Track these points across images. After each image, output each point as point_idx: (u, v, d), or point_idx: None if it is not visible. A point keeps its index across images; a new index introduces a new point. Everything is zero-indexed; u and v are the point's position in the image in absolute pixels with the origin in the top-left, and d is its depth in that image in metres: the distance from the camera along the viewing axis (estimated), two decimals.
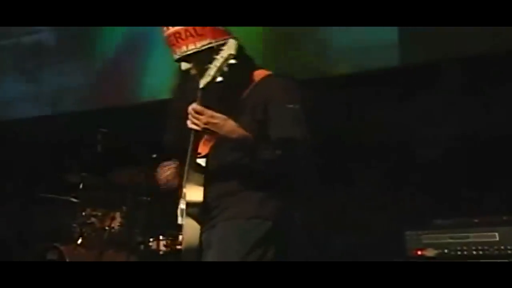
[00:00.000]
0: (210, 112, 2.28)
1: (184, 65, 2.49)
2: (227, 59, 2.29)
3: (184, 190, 2.45)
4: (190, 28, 2.44)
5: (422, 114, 4.05)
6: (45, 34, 6.00)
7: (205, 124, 2.28)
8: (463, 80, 3.91)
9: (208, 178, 2.44)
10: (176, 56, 2.49)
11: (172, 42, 2.47)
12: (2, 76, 6.14)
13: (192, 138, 2.38)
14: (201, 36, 2.44)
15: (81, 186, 4.70)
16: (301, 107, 2.43)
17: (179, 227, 2.48)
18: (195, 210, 2.42)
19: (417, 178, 4.07)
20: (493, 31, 3.81)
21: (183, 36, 2.45)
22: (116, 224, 4.61)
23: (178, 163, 2.60)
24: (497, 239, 3.23)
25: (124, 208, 4.62)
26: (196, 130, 2.32)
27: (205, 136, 2.42)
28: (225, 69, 2.30)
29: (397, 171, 4.14)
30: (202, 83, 2.34)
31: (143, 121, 4.68)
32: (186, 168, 2.43)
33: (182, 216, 2.47)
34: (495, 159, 3.91)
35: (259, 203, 2.42)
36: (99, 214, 4.66)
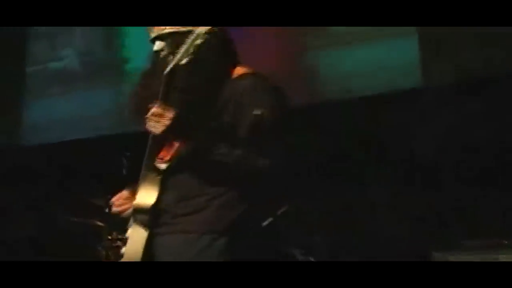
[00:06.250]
0: (169, 113, 2.21)
1: (158, 44, 2.35)
2: (194, 40, 2.19)
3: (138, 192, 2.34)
4: None
5: (448, 133, 4.01)
6: (71, 60, 6.08)
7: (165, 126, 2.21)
8: (485, 100, 3.88)
9: (165, 183, 2.32)
10: (153, 35, 2.39)
11: None
12: (31, 102, 6.22)
13: (150, 140, 2.30)
14: None
15: (107, 209, 4.71)
16: (269, 109, 2.27)
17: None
18: (144, 216, 2.31)
19: (444, 198, 4.01)
20: None
21: None
22: None
23: (130, 192, 2.45)
24: None
25: None
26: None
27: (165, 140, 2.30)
28: (191, 50, 2.19)
29: (424, 191, 4.07)
30: (167, 69, 2.23)
31: None
32: (143, 168, 2.32)
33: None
34: None
35: (215, 214, 2.27)
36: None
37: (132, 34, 5.62)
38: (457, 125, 3.88)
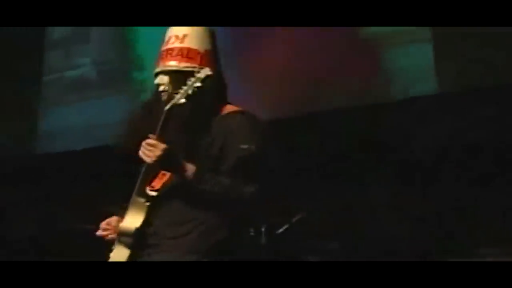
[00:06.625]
0: (162, 145, 2.32)
1: (160, 79, 2.51)
2: (194, 82, 2.33)
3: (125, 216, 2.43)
4: (185, 49, 2.49)
5: (448, 134, 4.02)
6: (87, 69, 6.19)
7: (157, 157, 2.31)
8: (485, 101, 3.89)
9: (155, 209, 2.43)
10: (157, 70, 2.52)
11: (162, 57, 2.52)
12: (47, 110, 6.33)
13: (143, 168, 2.40)
14: (189, 59, 2.48)
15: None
16: (255, 149, 2.42)
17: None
18: (127, 238, 2.39)
19: (444, 198, 4.01)
20: None
21: (174, 54, 2.49)
22: None
23: (119, 219, 2.51)
24: None
25: None
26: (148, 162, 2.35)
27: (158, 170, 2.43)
28: (190, 92, 2.34)
29: (424, 191, 4.08)
30: (168, 105, 2.37)
31: None
32: (133, 194, 2.43)
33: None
34: None
35: (200, 237, 2.38)
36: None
37: (147, 43, 5.70)
38: (458, 126, 3.92)
